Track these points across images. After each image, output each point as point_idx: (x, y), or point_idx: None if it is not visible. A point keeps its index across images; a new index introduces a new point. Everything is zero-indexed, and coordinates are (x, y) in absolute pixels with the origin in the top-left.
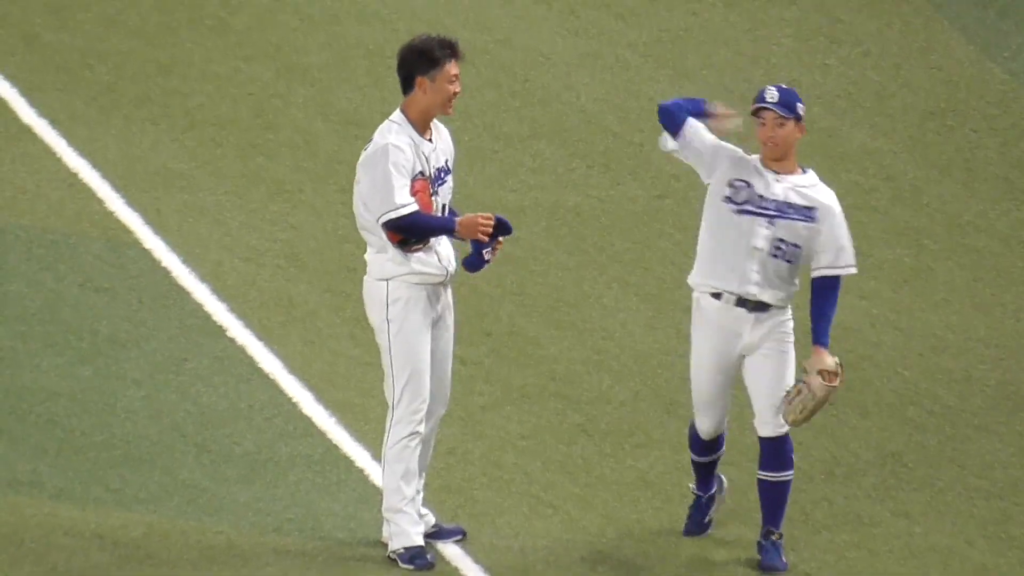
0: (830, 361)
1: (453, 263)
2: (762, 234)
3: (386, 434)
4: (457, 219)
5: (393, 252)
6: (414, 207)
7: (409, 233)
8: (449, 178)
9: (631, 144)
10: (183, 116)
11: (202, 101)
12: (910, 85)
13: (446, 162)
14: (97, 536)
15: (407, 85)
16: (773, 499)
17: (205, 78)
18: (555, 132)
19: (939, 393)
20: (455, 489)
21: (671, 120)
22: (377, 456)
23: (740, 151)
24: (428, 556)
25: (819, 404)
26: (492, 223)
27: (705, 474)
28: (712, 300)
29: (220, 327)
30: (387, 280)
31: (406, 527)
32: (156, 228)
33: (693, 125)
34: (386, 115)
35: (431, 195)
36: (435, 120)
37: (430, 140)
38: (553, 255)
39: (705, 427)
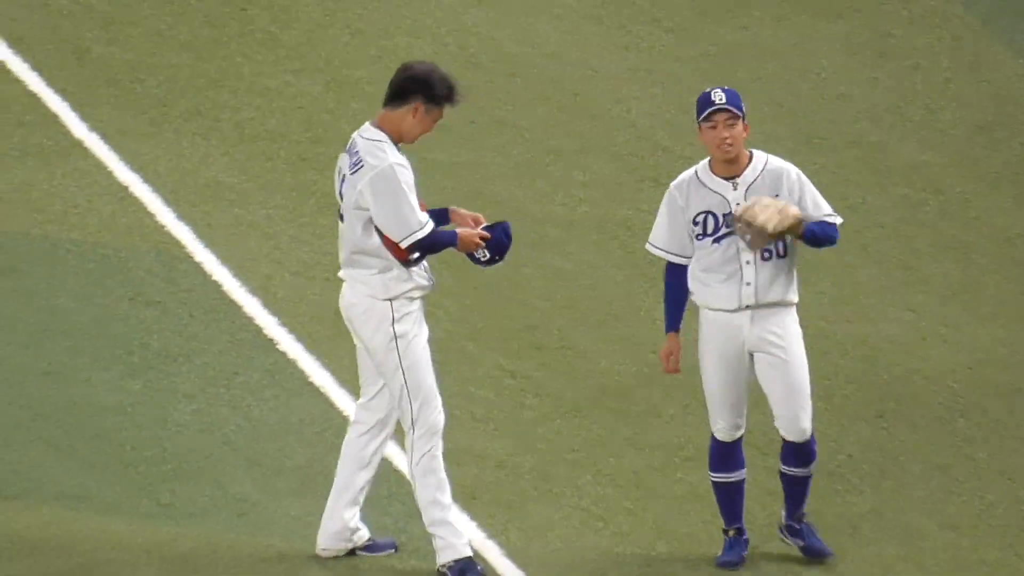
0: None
1: (432, 276)
2: (744, 248)
3: (410, 452)
4: (458, 233)
5: (398, 271)
6: (431, 224)
7: (428, 250)
8: None
9: (681, 158)
10: (233, 130)
11: (252, 115)
12: (959, 99)
13: None
14: (145, 551)
15: (398, 101)
16: (797, 490)
17: (255, 92)
18: (605, 146)
19: (988, 406)
20: (505, 503)
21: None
22: None
23: (676, 192)
24: (479, 568)
25: (752, 223)
26: (487, 238)
27: (730, 503)
28: (711, 310)
29: (271, 340)
30: (391, 299)
31: (452, 540)
32: (207, 242)
33: (680, 255)
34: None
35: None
36: None
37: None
38: (603, 269)
39: (720, 425)
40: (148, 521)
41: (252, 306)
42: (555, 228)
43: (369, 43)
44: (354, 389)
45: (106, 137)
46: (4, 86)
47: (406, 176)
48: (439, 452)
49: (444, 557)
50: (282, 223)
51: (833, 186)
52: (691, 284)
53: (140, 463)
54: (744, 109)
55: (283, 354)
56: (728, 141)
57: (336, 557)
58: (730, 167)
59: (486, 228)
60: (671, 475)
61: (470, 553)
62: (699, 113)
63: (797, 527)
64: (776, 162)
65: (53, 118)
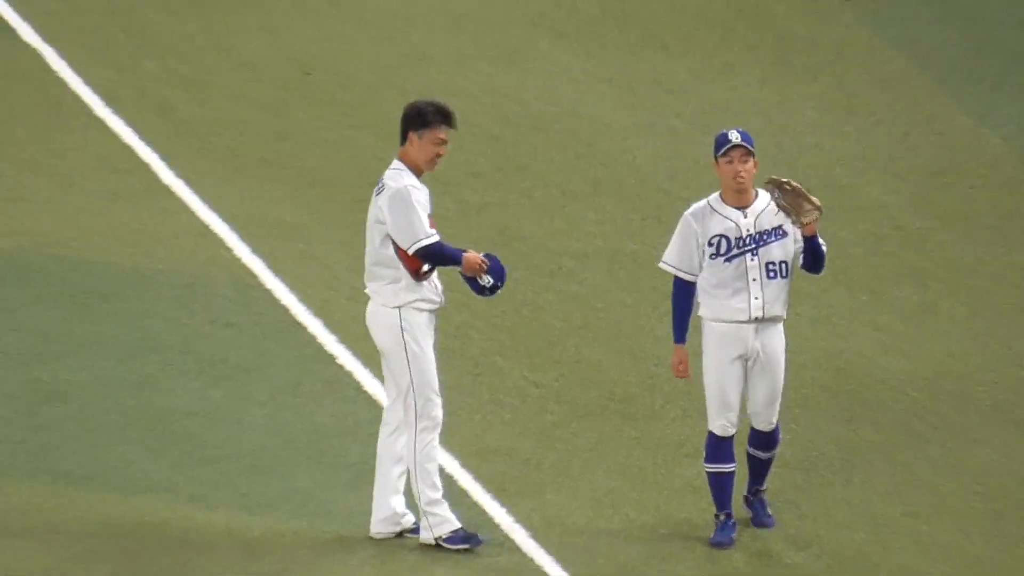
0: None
1: (444, 296)
2: (752, 266)
3: (412, 443)
4: (464, 254)
5: (407, 281)
6: (438, 236)
7: (433, 260)
8: None
9: (679, 199)
10: (298, 176)
11: (314, 163)
12: (916, 149)
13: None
14: (224, 535)
15: (403, 138)
16: (760, 469)
17: (317, 143)
18: (614, 189)
19: (942, 411)
20: (529, 494)
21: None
22: (466, 465)
23: (692, 219)
24: (479, 535)
25: (789, 197)
26: (488, 265)
27: (722, 492)
28: (720, 322)
29: (330, 355)
30: (399, 307)
31: (447, 515)
32: (276, 272)
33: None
34: (471, 173)
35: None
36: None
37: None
38: (613, 294)
39: (722, 423)
40: (226, 510)
41: (314, 326)
42: (571, 259)
43: None
44: None
45: (189, 182)
46: (102, 140)
47: (419, 196)
48: (437, 443)
49: (441, 530)
50: (339, 255)
51: None
52: (701, 298)
53: (219, 460)
54: (754, 147)
55: (341, 367)
56: (742, 174)
57: (386, 539)
58: (741, 198)
59: (486, 256)
60: (672, 470)
61: (462, 524)
62: (717, 149)
63: (752, 499)
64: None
65: (144, 166)
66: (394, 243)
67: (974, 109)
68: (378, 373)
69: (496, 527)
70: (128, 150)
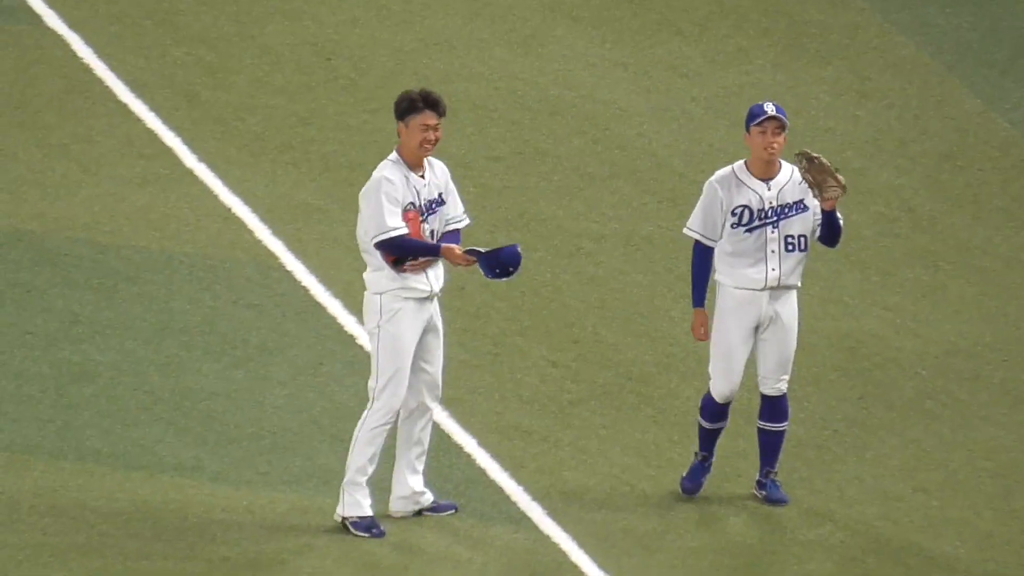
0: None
1: (440, 281)
2: (772, 238)
3: (362, 420)
4: (443, 246)
5: (388, 270)
6: (403, 230)
7: (399, 252)
8: (442, 208)
9: (694, 183)
10: (319, 160)
11: (335, 148)
12: (927, 132)
13: (439, 195)
14: (249, 512)
15: (398, 131)
16: (771, 444)
17: (338, 128)
18: (630, 173)
19: (952, 389)
20: (547, 471)
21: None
22: (484, 443)
23: (718, 186)
24: (381, 526)
25: (818, 173)
26: (471, 262)
27: (710, 441)
28: (736, 289)
29: (350, 336)
30: (381, 294)
31: (361, 499)
32: (297, 254)
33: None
34: (490, 158)
35: (421, 223)
36: (430, 157)
37: (422, 176)
38: (629, 275)
39: (722, 389)
40: (249, 487)
41: (335, 307)
42: (589, 241)
43: (433, 87)
44: None
45: (213, 167)
46: (128, 125)
47: (389, 188)
48: (386, 432)
49: (350, 511)
50: None
51: None
52: (718, 265)
53: (242, 439)
54: (787, 123)
55: (361, 347)
56: (774, 145)
57: (404, 518)
58: (767, 168)
59: (491, 251)
60: (687, 447)
61: (372, 514)
62: (751, 119)
63: (764, 481)
64: (800, 173)
65: (168, 151)
66: None
67: (984, 93)
68: None
69: (514, 505)
70: (153, 135)
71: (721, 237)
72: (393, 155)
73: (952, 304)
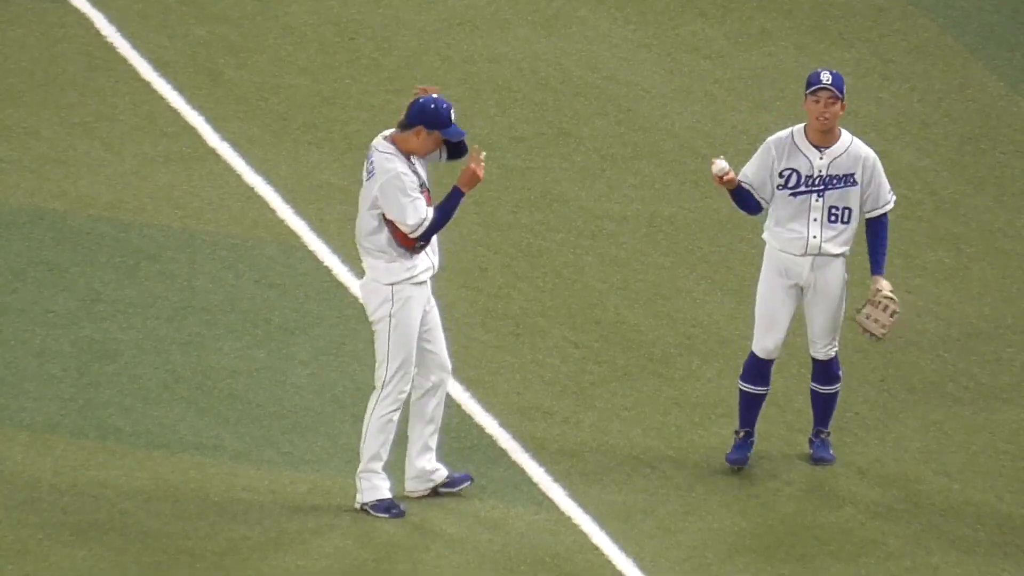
0: (886, 285)
1: (438, 256)
2: (816, 206)
3: (371, 408)
4: (458, 184)
5: (400, 261)
6: (430, 213)
7: (437, 228)
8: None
9: None
10: (342, 140)
11: (358, 127)
12: (950, 115)
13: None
14: (271, 491)
15: (407, 127)
16: (823, 406)
17: (361, 108)
18: (653, 154)
19: (974, 372)
20: (568, 452)
21: (756, 213)
22: (505, 424)
23: (773, 146)
24: (401, 506)
25: (888, 318)
26: (478, 158)
27: (750, 411)
28: (778, 251)
29: None
30: (393, 284)
31: (379, 483)
32: (319, 233)
33: (758, 192)
34: (513, 138)
35: (430, 195)
36: None
37: (412, 163)
38: (651, 256)
39: (765, 344)
40: (271, 467)
41: (357, 288)
42: (611, 223)
43: (456, 68)
44: None
45: (236, 146)
46: (151, 103)
47: (407, 182)
48: (396, 418)
49: (368, 497)
50: None
51: None
52: (766, 224)
53: (264, 418)
54: (844, 92)
55: None
56: (826, 115)
57: (422, 497)
58: (823, 137)
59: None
60: (708, 429)
61: (391, 496)
62: (808, 86)
63: (814, 440)
64: (859, 145)
65: (191, 130)
66: (389, 225)
67: (1007, 75)
68: None
69: (535, 486)
70: (176, 114)
71: (772, 197)
72: (389, 147)
73: (974, 286)
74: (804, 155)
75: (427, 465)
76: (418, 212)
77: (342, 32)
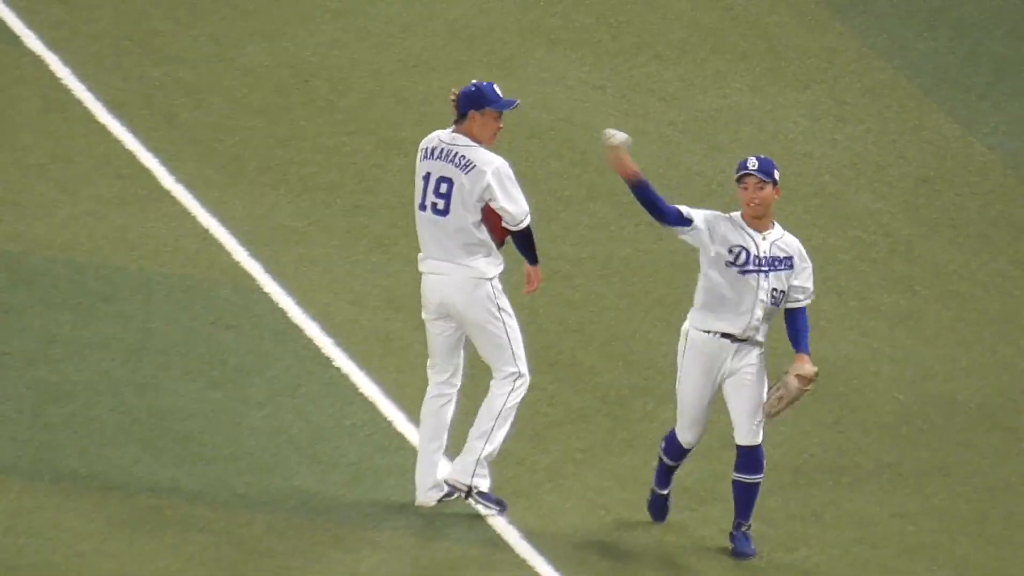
0: (810, 367)
1: None
2: (763, 286)
3: (504, 398)
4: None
5: (494, 256)
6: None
7: (530, 235)
8: None
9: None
10: (298, 182)
11: (314, 169)
12: (905, 156)
13: None
14: (226, 532)
15: (462, 117)
16: (745, 497)
17: (316, 150)
18: (608, 195)
19: (928, 414)
20: (523, 494)
21: (670, 221)
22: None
23: (727, 220)
24: (505, 503)
25: (792, 400)
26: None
27: (668, 476)
28: (702, 334)
29: (328, 358)
30: (491, 279)
31: (488, 476)
32: (275, 275)
33: (689, 213)
34: None
35: None
36: None
37: None
38: (607, 298)
39: (688, 438)
40: (227, 508)
41: (312, 329)
42: (566, 264)
43: (412, 109)
44: (398, 399)
45: (191, 187)
46: (106, 144)
47: (510, 170)
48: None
49: (483, 485)
50: (338, 260)
51: (799, 229)
52: (693, 312)
53: (219, 460)
54: (777, 176)
55: (338, 369)
56: (756, 200)
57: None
58: (757, 223)
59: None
60: None
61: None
62: (736, 173)
63: (735, 533)
64: (793, 242)
65: (147, 172)
66: (485, 216)
67: (962, 118)
68: (377, 376)
69: (490, 528)
70: (131, 156)
71: (712, 246)
72: (464, 139)
73: (929, 329)
74: (751, 236)
75: (440, 474)
76: (523, 203)
77: (298, 74)
